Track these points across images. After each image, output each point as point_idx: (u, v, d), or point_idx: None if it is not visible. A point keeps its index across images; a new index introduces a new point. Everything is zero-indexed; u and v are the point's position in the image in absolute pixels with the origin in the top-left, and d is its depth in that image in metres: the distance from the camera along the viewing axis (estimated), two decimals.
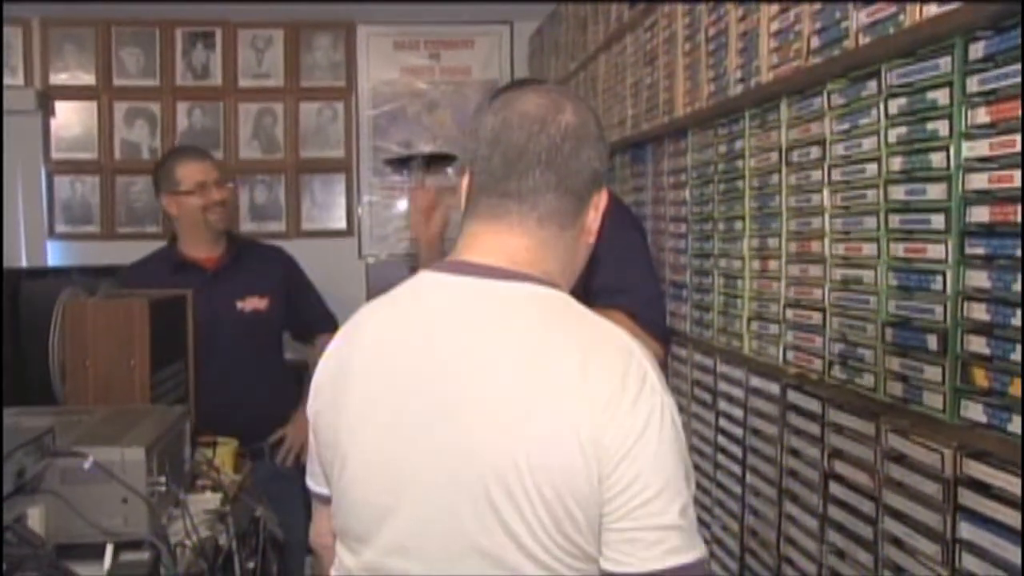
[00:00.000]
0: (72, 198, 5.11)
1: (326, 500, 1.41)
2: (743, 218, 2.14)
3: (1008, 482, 1.23)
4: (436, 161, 5.21)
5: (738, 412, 2.18)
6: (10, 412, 2.06)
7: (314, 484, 1.46)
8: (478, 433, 1.18)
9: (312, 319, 3.51)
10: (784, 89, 1.91)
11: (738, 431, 2.18)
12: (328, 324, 3.57)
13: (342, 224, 5.30)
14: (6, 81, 5.08)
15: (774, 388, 1.98)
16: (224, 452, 2.93)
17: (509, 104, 1.32)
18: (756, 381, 2.08)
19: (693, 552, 1.16)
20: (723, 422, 2.28)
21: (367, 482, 1.28)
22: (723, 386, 2.28)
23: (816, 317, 1.79)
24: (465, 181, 1.36)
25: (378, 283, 5.20)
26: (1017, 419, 1.22)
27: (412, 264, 2.79)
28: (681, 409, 2.61)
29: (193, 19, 5.13)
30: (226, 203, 3.29)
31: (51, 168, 5.06)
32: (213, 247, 3.29)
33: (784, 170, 1.93)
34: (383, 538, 1.26)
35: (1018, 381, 1.22)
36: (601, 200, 1.34)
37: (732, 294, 2.22)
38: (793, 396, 1.89)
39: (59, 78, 5.11)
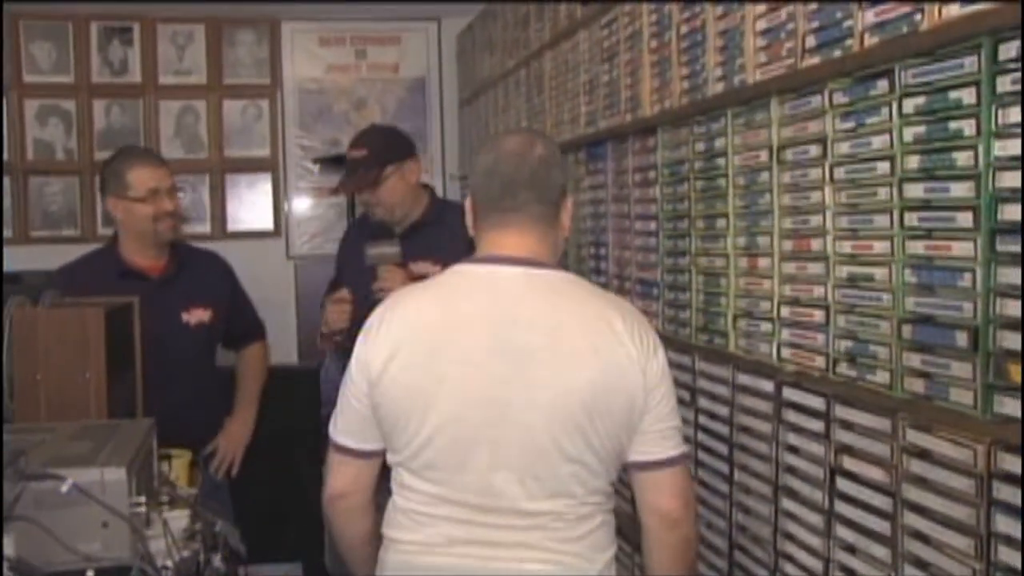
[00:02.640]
0: None
1: (363, 455, 1.86)
2: (726, 216, 2.14)
3: None
4: None
5: (723, 410, 2.18)
6: None
7: (354, 441, 1.86)
8: (563, 371, 1.70)
9: (245, 329, 3.43)
10: (776, 88, 1.91)
11: (723, 429, 2.18)
12: (258, 333, 3.48)
13: (269, 224, 5.18)
14: None
15: (766, 385, 1.98)
16: (178, 465, 2.83)
17: (497, 145, 1.88)
18: (744, 379, 2.08)
19: (685, 446, 1.84)
20: (704, 419, 2.29)
21: (464, 421, 1.72)
22: (704, 383, 2.28)
23: (817, 315, 1.80)
24: (469, 204, 1.89)
25: (308, 283, 5.11)
26: None
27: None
28: None
29: (109, 13, 4.95)
30: (176, 213, 3.17)
31: None
32: (158, 255, 3.16)
33: (776, 168, 1.93)
34: (483, 460, 1.71)
35: None
36: (570, 205, 1.89)
37: (714, 292, 2.22)
38: (790, 393, 1.90)
39: None
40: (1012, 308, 1.33)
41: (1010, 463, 1.33)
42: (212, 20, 5.04)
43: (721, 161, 2.17)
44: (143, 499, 1.91)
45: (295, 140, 5.19)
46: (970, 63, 1.39)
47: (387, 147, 3.05)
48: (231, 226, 5.13)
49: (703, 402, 2.29)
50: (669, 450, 1.78)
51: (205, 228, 5.09)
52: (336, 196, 4.62)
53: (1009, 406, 1.34)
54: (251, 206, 5.16)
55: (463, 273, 1.83)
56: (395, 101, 5.27)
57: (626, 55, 2.71)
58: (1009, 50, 1.32)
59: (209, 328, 3.20)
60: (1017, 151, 1.31)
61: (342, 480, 1.90)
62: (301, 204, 5.22)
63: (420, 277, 2.53)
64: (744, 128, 2.07)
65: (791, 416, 1.90)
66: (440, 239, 2.85)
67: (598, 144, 2.97)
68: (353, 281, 2.98)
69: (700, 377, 2.30)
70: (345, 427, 1.87)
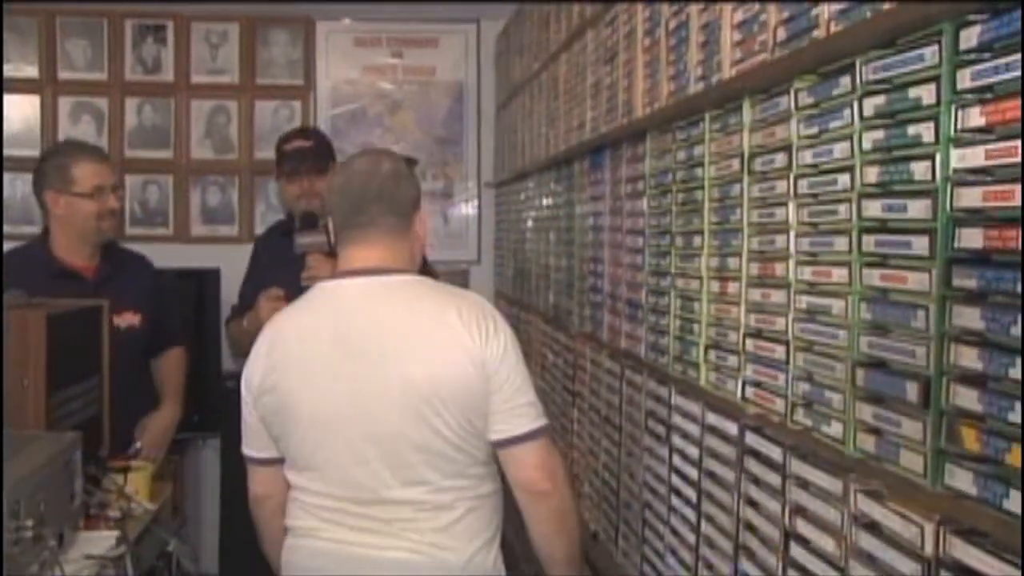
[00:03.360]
0: (12, 196, 4.83)
1: (263, 462, 2.08)
2: (702, 233, 1.90)
3: (1003, 572, 0.99)
4: None
5: (693, 451, 1.93)
6: None
7: (254, 451, 2.08)
8: (402, 367, 1.88)
9: (168, 334, 3.27)
10: (747, 87, 1.67)
11: (693, 472, 1.93)
12: (178, 339, 3.32)
13: None
14: None
15: (731, 428, 1.73)
16: (138, 478, 2.67)
17: (347, 167, 2.11)
18: (712, 418, 1.83)
19: (545, 419, 1.99)
20: (677, 460, 2.04)
21: (322, 422, 1.92)
22: (678, 420, 2.03)
23: (779, 350, 1.54)
24: (331, 224, 2.07)
25: None
26: (1016, 495, 0.98)
27: None
28: (633, 440, 2.38)
29: (143, 11, 4.87)
30: (118, 212, 3.03)
31: None
32: (92, 255, 3.02)
33: (746, 180, 1.69)
34: (343, 456, 1.91)
35: (1018, 449, 0.97)
36: (423, 215, 2.12)
37: (689, 318, 1.98)
38: (752, 439, 1.64)
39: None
40: (969, 358, 1.07)
41: (960, 550, 1.07)
42: (246, 19, 4.93)
43: (700, 171, 1.92)
44: (29, 523, 1.74)
45: None
46: (930, 54, 1.13)
47: (327, 143, 3.26)
48: (259, 230, 4.99)
49: (676, 440, 2.04)
50: (523, 426, 1.93)
51: (232, 231, 4.99)
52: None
53: (961, 478, 1.08)
54: (278, 210, 5.03)
55: (321, 289, 2.06)
56: (431, 105, 5.09)
57: (624, 55, 2.48)
58: (971, 37, 1.07)
59: (139, 332, 3.07)
60: (980, 161, 1.05)
61: (255, 486, 2.12)
62: None
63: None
64: (720, 133, 1.82)
65: (752, 466, 1.64)
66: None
67: (598, 152, 2.74)
68: (283, 281, 2.95)
69: (675, 412, 2.05)
70: (247, 440, 2.09)
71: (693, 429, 1.94)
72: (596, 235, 2.76)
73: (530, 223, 3.92)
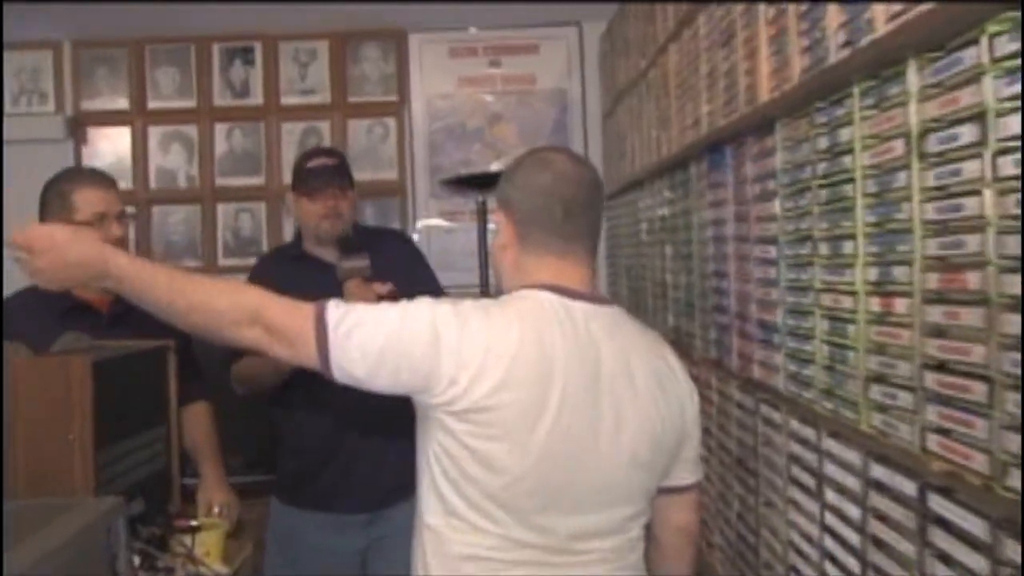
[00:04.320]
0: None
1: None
2: (854, 238, 1.51)
3: None
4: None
5: (853, 511, 1.54)
6: None
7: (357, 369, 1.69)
8: (639, 410, 1.68)
9: (191, 382, 2.86)
10: (912, 43, 1.28)
11: (854, 537, 1.54)
12: (202, 392, 2.96)
13: None
14: (36, 108, 4.72)
15: (909, 487, 1.34)
16: (210, 537, 2.39)
17: (551, 164, 1.75)
18: (879, 471, 1.44)
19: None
20: (832, 520, 1.64)
21: (555, 462, 1.62)
22: (831, 469, 1.64)
23: (977, 389, 1.15)
24: (507, 225, 1.75)
25: None
26: None
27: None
28: (773, 489, 1.99)
29: (230, 34, 4.69)
30: (124, 242, 2.76)
31: None
32: (104, 288, 2.75)
33: (916, 165, 1.30)
34: (552, 498, 1.64)
35: None
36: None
37: (841, 344, 1.59)
38: (940, 505, 1.25)
39: (92, 103, 4.73)
40: None
41: None
42: (336, 35, 4.70)
43: (848, 160, 1.54)
44: None
45: (424, 161, 4.77)
46: None
47: (348, 164, 2.99)
48: None
49: (830, 496, 1.65)
50: (697, 475, 1.86)
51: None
52: (457, 220, 4.24)
53: None
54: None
55: (539, 300, 1.68)
56: (533, 115, 4.77)
57: (743, 33, 2.11)
58: None
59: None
60: None
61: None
62: (429, 231, 4.78)
63: (386, 295, 2.53)
64: (874, 110, 1.44)
65: (940, 539, 1.25)
66: (381, 260, 2.75)
67: (717, 150, 2.36)
68: None
69: (827, 460, 1.66)
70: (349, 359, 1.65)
71: (852, 483, 1.54)
72: (719, 246, 2.38)
73: (644, 236, 3.55)
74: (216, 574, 2.31)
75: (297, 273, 2.89)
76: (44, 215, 2.73)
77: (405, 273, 2.75)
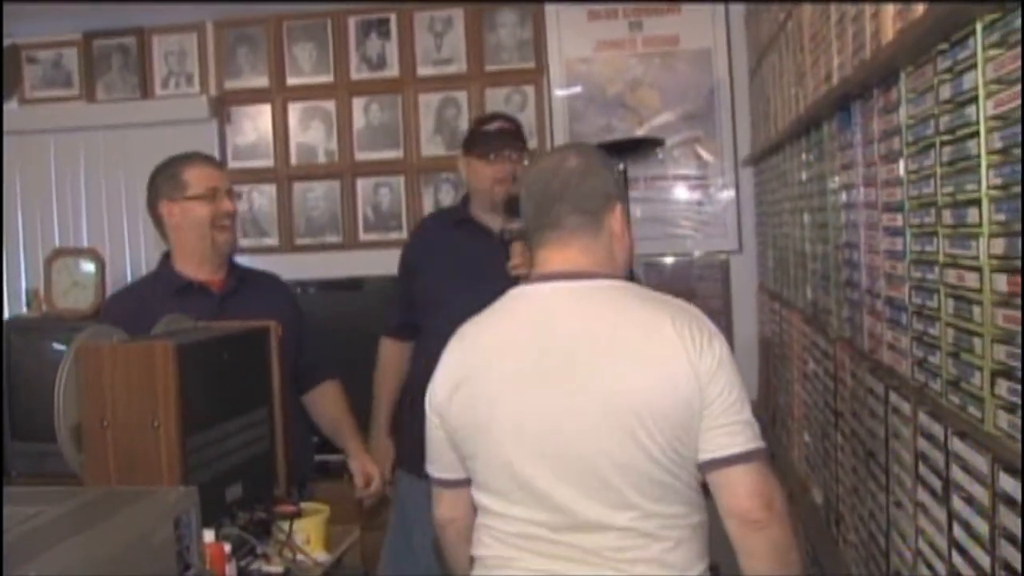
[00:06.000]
0: (248, 209, 4.73)
1: (449, 484, 1.94)
2: (978, 203, 1.27)
3: None
4: (644, 146, 4.45)
5: (980, 525, 1.31)
6: None
7: (439, 472, 1.95)
8: (610, 381, 1.72)
9: (315, 364, 2.91)
10: None
11: (983, 558, 1.31)
12: (328, 372, 2.95)
13: None
14: (184, 90, 4.81)
15: None
16: (311, 524, 2.33)
17: (531, 168, 2.06)
18: (1008, 482, 1.21)
19: (762, 442, 1.76)
20: (959, 532, 1.41)
21: (522, 441, 1.75)
22: (958, 474, 1.41)
23: None
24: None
25: None
26: None
27: None
28: (902, 488, 1.75)
29: (365, 7, 4.63)
30: (234, 218, 2.76)
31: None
32: (217, 267, 2.76)
33: None
34: (544, 477, 1.74)
35: None
36: (618, 211, 1.90)
37: (965, 328, 1.35)
38: None
39: (234, 83, 4.77)
40: None
41: None
42: (471, 2, 4.58)
43: (971, 111, 1.30)
44: None
45: (564, 128, 4.60)
46: None
47: (523, 128, 3.06)
48: None
49: (957, 503, 1.41)
50: (737, 446, 1.72)
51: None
52: None
53: None
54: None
55: (514, 296, 1.90)
56: (675, 79, 4.51)
57: None
58: None
59: (284, 347, 2.67)
60: None
61: (441, 509, 2.00)
62: None
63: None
64: (998, 48, 1.20)
65: None
66: None
67: (845, 107, 2.11)
68: (469, 275, 2.80)
69: (953, 462, 1.43)
70: (431, 459, 1.97)
71: (979, 492, 1.31)
72: (849, 213, 2.14)
73: (786, 203, 3.29)
74: (315, 562, 2.25)
75: (460, 237, 2.98)
76: (155, 200, 2.75)
77: None
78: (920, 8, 1.49)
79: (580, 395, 1.73)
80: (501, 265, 2.78)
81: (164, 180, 2.74)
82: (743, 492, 1.71)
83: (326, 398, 2.91)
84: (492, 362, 1.82)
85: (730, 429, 1.72)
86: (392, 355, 3.15)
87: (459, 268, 2.93)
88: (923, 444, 1.59)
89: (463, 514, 1.94)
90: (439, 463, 1.95)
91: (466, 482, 1.90)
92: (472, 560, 1.89)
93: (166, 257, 2.80)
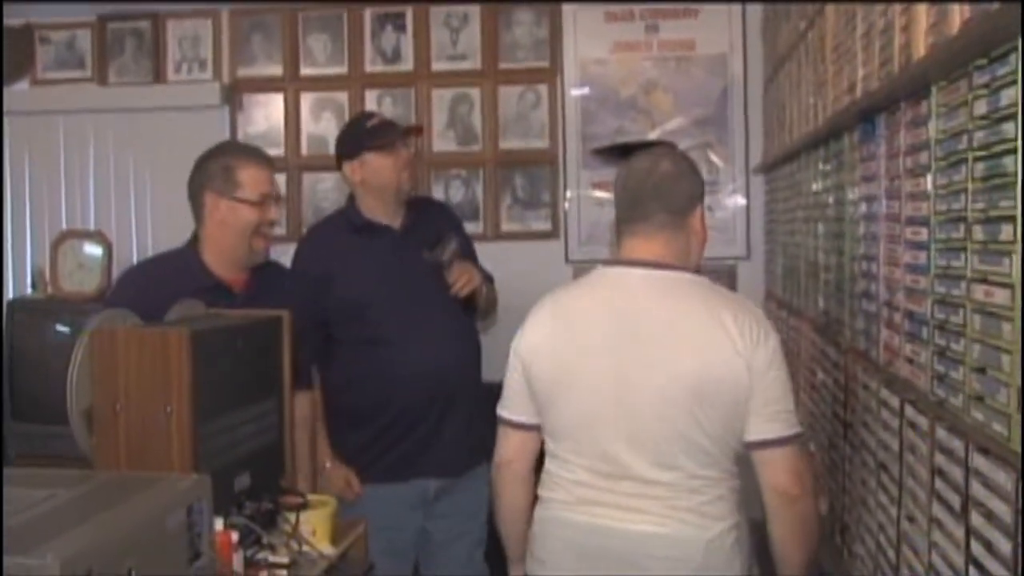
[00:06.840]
0: None
1: (518, 426, 2.21)
2: (1013, 220, 1.27)
3: None
4: None
5: (1004, 546, 1.31)
6: None
7: (511, 414, 2.21)
8: (673, 359, 1.99)
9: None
10: None
11: (1003, 575, 1.31)
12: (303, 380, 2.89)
13: (546, 224, 4.63)
14: (197, 76, 4.79)
15: None
16: (317, 516, 2.32)
17: (629, 164, 2.19)
18: None
19: (801, 427, 2.06)
20: (978, 550, 1.41)
21: (594, 398, 2.04)
22: (978, 490, 1.41)
23: None
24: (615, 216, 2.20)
25: None
26: None
27: None
28: (916, 502, 1.74)
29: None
30: (275, 225, 2.72)
31: None
32: (243, 268, 2.71)
33: None
34: (608, 433, 2.03)
35: None
36: (699, 212, 2.17)
37: (992, 344, 1.35)
38: None
39: (247, 70, 4.76)
40: None
41: None
42: (489, 1, 4.57)
43: (1010, 127, 1.29)
44: None
45: (576, 129, 4.59)
46: None
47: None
48: (505, 226, 4.65)
49: (976, 520, 1.41)
50: (781, 430, 1.99)
51: (477, 228, 4.62)
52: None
53: None
54: (528, 204, 4.64)
55: (603, 273, 2.16)
56: (690, 83, 4.51)
57: None
58: None
59: None
60: None
61: (505, 449, 2.25)
62: (581, 202, 4.61)
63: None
64: None
65: None
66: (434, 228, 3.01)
67: (870, 118, 2.11)
68: (390, 286, 2.91)
69: (974, 479, 1.42)
70: (506, 402, 2.23)
71: (1002, 510, 1.31)
72: (868, 225, 2.14)
73: (799, 212, 3.29)
74: (320, 554, 2.24)
75: (367, 241, 2.94)
76: (201, 187, 2.66)
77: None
78: (956, 22, 1.49)
79: (650, 370, 1.99)
80: (418, 260, 2.87)
81: (217, 171, 2.63)
82: (782, 469, 1.99)
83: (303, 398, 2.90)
84: (579, 328, 2.09)
85: (775, 415, 1.99)
86: (311, 410, 3.03)
87: (379, 271, 2.90)
88: (940, 459, 1.58)
89: (523, 457, 2.22)
90: (514, 407, 2.20)
91: (534, 427, 2.18)
92: (537, 499, 2.17)
93: (193, 244, 2.71)
